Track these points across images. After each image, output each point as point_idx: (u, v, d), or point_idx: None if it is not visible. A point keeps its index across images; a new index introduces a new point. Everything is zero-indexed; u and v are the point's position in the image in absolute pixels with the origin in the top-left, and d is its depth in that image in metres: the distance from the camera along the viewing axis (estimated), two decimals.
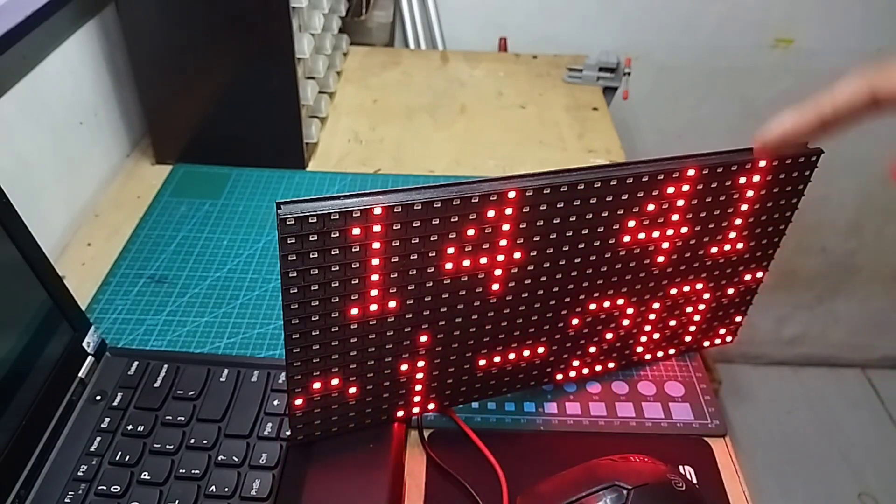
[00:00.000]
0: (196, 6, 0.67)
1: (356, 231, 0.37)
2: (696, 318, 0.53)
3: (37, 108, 0.64)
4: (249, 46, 0.70)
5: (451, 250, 0.40)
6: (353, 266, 0.38)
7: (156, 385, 0.49)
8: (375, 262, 0.39)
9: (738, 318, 0.56)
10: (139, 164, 0.79)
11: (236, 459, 0.45)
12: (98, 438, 0.46)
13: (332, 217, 0.36)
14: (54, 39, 0.66)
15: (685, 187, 0.43)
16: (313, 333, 0.40)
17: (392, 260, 0.39)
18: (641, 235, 0.45)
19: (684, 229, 0.46)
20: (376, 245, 0.38)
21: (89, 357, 0.50)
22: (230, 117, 0.74)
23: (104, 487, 0.43)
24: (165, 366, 0.50)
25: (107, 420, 0.47)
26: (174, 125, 0.76)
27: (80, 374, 0.49)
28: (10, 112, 0.60)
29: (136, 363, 0.51)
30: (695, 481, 0.47)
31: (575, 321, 0.48)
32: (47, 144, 0.66)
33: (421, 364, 0.45)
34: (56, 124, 0.67)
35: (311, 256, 0.37)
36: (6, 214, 0.44)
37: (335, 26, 0.92)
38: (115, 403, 0.48)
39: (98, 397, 0.48)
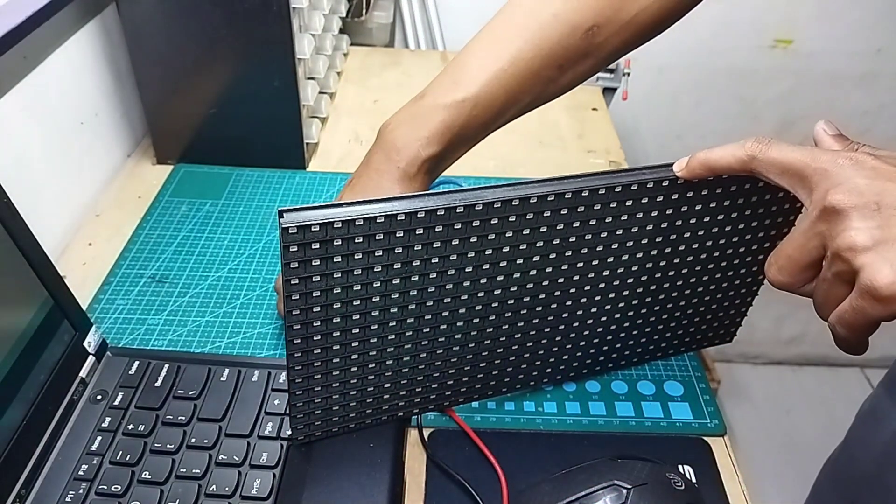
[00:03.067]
0: (197, 6, 0.67)
1: (359, 240, 0.37)
2: (696, 318, 0.53)
3: (38, 109, 0.64)
4: (250, 47, 0.70)
5: (453, 257, 0.40)
6: (356, 273, 0.38)
7: (156, 385, 0.49)
8: (378, 269, 0.38)
9: (738, 318, 0.56)
10: (140, 164, 0.79)
11: (237, 459, 0.45)
12: (99, 438, 0.46)
13: (335, 226, 0.35)
14: (55, 40, 0.66)
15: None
16: (315, 338, 0.40)
17: (394, 266, 0.39)
18: (644, 239, 0.45)
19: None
20: (379, 253, 0.38)
21: (90, 357, 0.50)
22: (231, 117, 0.74)
23: (105, 487, 0.43)
24: (166, 365, 0.50)
25: (107, 419, 0.47)
26: (175, 125, 0.76)
27: (81, 374, 0.49)
28: (12, 112, 0.60)
29: (136, 363, 0.51)
30: (694, 481, 0.47)
31: (575, 324, 0.48)
32: (48, 144, 0.66)
33: (422, 367, 0.46)
34: (57, 124, 0.67)
35: (314, 264, 0.37)
36: (7, 214, 0.44)
37: (335, 27, 0.92)
38: (115, 403, 0.48)
39: (99, 397, 0.49)
